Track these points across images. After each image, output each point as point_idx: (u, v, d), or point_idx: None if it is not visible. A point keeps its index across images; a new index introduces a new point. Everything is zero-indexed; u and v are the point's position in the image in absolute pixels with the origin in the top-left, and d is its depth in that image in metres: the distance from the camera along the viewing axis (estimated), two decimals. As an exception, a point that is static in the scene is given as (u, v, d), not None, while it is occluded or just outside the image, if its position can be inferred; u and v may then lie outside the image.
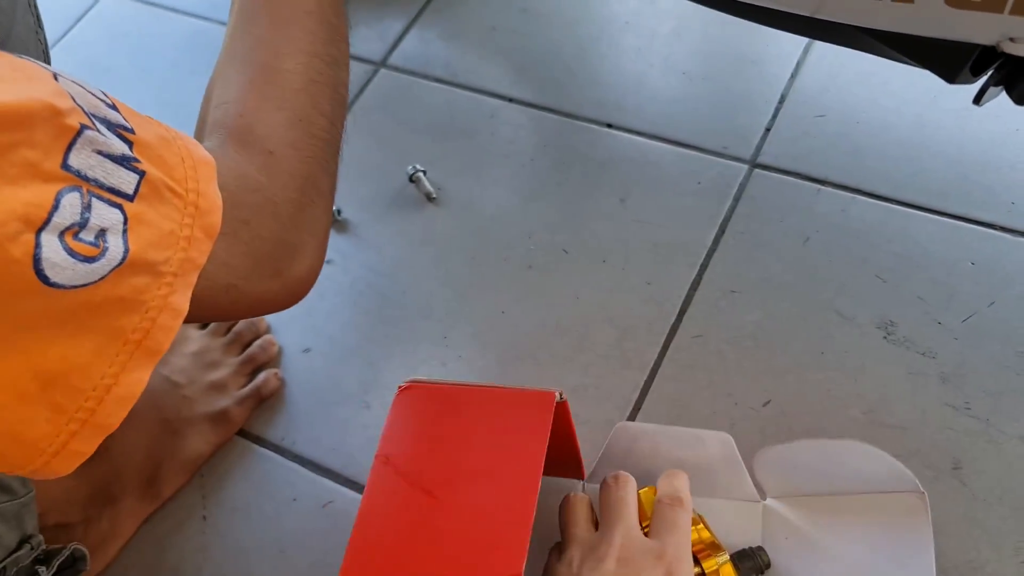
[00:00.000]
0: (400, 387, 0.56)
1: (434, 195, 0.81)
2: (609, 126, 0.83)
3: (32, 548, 0.52)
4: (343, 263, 0.78)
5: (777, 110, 0.82)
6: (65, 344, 0.31)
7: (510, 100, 0.87)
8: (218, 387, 0.69)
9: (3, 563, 0.49)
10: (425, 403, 0.55)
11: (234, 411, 0.68)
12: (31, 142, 0.29)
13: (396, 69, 0.92)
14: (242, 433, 0.69)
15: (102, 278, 0.31)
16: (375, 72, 0.92)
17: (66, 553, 0.54)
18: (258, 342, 0.73)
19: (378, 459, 0.53)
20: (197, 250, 0.35)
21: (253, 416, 0.70)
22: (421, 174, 0.81)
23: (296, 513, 0.65)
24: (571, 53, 0.90)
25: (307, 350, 0.74)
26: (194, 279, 0.35)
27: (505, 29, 0.93)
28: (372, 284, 0.77)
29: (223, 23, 1.01)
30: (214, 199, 0.36)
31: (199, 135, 0.46)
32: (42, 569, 0.52)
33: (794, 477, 0.58)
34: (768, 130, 0.81)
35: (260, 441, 0.69)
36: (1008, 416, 0.62)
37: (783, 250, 0.73)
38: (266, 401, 0.70)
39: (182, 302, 0.35)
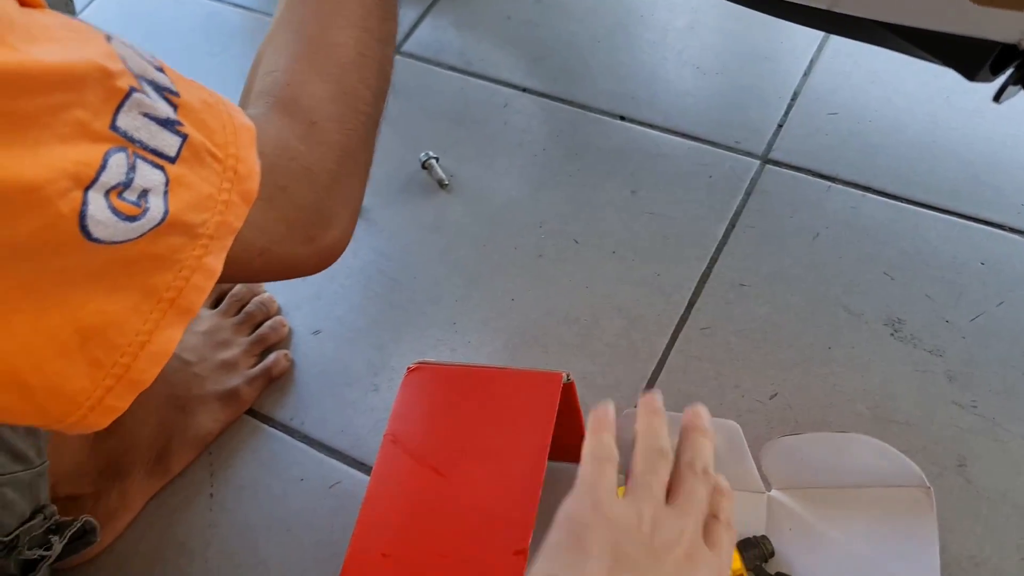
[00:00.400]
0: (409, 368, 0.56)
1: (446, 182, 0.81)
2: (622, 118, 0.84)
3: (45, 518, 0.52)
4: (353, 246, 0.77)
5: (790, 107, 0.82)
6: (102, 299, 0.32)
7: (524, 90, 0.88)
8: (228, 366, 0.70)
9: (17, 531, 0.50)
10: (434, 384, 0.55)
11: (244, 390, 0.69)
12: (83, 103, 0.30)
13: (411, 56, 0.92)
14: (251, 412, 0.70)
15: (140, 236, 0.32)
16: (390, 59, 0.92)
17: (78, 525, 0.54)
18: (269, 323, 0.73)
19: (387, 438, 0.53)
20: (233, 214, 0.36)
21: (262, 396, 0.70)
22: (434, 161, 0.82)
23: (303, 493, 0.65)
24: (585, 45, 0.90)
25: (317, 332, 0.74)
26: (229, 242, 0.36)
27: (520, 19, 0.93)
28: (382, 268, 0.77)
29: (237, 6, 1.02)
30: (252, 165, 0.37)
31: (244, 101, 0.46)
32: (54, 539, 0.53)
33: (800, 469, 0.58)
34: (780, 126, 0.81)
35: (269, 421, 0.69)
36: (1014, 415, 0.63)
37: (793, 245, 0.73)
38: (275, 381, 0.71)
39: (216, 264, 0.35)
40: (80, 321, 0.32)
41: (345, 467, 0.66)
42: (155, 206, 0.32)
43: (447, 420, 0.53)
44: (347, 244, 0.48)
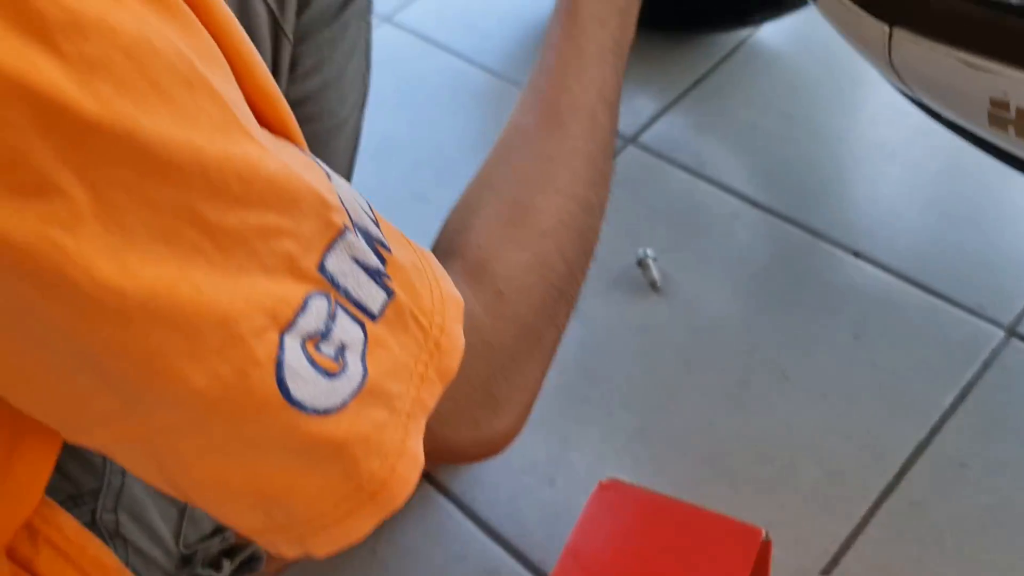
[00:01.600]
0: (601, 483, 0.54)
1: (659, 284, 0.79)
2: (856, 255, 0.79)
3: (224, 539, 0.53)
4: (555, 330, 0.78)
5: (1049, 279, 0.75)
6: (295, 477, 0.29)
7: (755, 204, 0.85)
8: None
9: (197, 546, 0.51)
10: (624, 506, 0.53)
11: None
12: (296, 233, 0.27)
13: (645, 149, 0.92)
14: (427, 476, 0.70)
15: (344, 404, 0.28)
16: (623, 147, 0.92)
17: (248, 551, 0.55)
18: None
19: (567, 551, 0.51)
20: (428, 391, 0.31)
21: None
22: (651, 261, 0.80)
23: (461, 570, 0.64)
24: (829, 169, 0.87)
25: (503, 409, 0.73)
26: (423, 424, 0.31)
27: (764, 130, 0.91)
28: (578, 359, 0.76)
29: (486, 69, 1.05)
30: (457, 341, 0.33)
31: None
32: (225, 562, 0.54)
33: None
34: (1034, 298, 0.74)
35: (443, 490, 0.69)
36: None
37: (1030, 434, 0.66)
38: (455, 450, 0.71)
39: (418, 449, 0.31)
40: (261, 488, 0.29)
41: (506, 555, 0.65)
42: (353, 365, 0.28)
43: (632, 548, 0.51)
44: (515, 436, 0.42)
